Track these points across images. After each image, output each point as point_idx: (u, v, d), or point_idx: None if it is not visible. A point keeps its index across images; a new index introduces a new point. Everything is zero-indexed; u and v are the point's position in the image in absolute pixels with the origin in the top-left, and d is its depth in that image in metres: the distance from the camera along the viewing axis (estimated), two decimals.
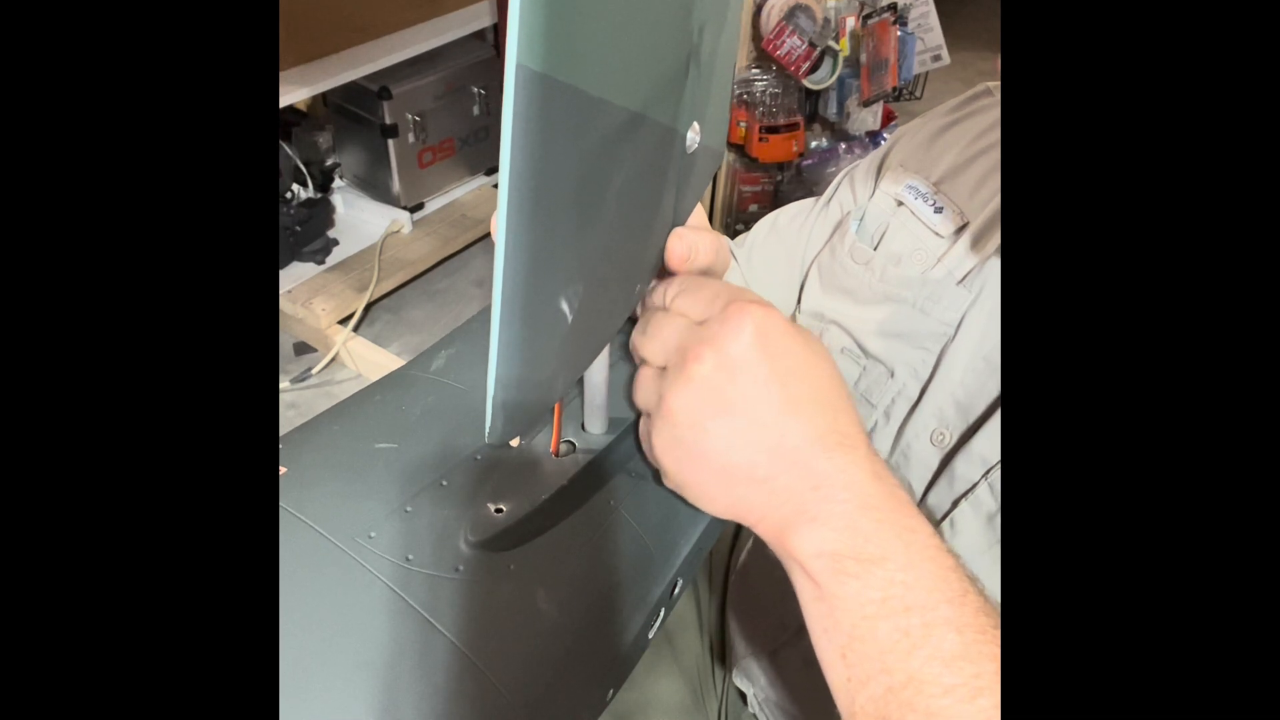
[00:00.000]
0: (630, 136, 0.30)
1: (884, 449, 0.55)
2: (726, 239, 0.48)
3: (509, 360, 0.28)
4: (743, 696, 0.66)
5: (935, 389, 0.52)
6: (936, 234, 0.55)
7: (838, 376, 0.37)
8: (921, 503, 0.53)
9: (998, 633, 0.32)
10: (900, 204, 0.58)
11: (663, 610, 0.40)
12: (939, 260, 0.54)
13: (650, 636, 0.39)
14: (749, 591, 0.66)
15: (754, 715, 0.65)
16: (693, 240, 0.41)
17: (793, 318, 0.65)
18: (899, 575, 0.33)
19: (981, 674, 0.31)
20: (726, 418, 0.35)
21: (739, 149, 1.95)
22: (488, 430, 0.30)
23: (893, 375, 0.55)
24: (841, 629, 0.33)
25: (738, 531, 0.76)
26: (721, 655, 0.70)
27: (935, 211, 0.56)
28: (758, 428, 0.34)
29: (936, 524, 0.50)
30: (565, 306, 0.30)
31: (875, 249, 0.58)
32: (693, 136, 0.37)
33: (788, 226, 0.68)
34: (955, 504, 0.50)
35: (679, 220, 0.40)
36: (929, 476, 0.52)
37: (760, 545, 0.65)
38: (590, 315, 0.32)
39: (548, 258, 0.28)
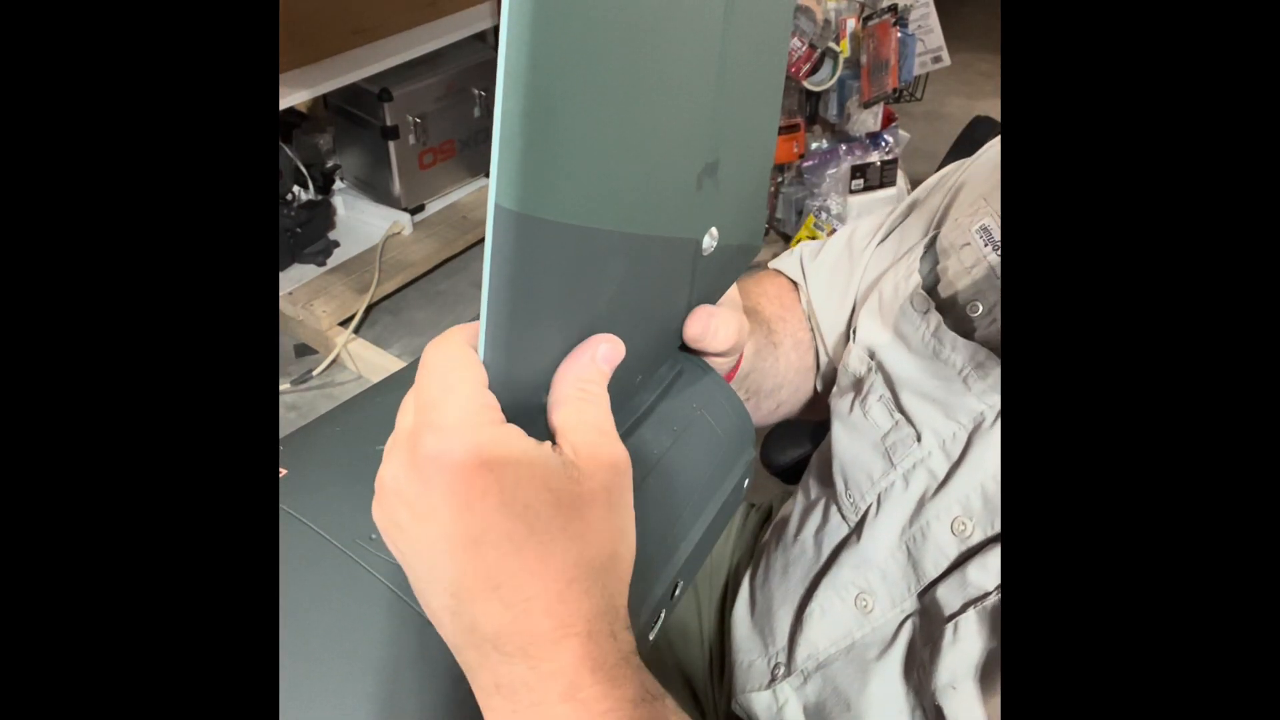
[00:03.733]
0: (621, 252, 0.32)
1: (900, 519, 0.52)
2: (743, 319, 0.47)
3: None
4: None
5: (964, 472, 0.49)
6: (999, 287, 0.51)
7: (557, 547, 0.29)
8: (928, 591, 0.50)
9: None
10: (967, 245, 0.54)
11: (663, 612, 0.40)
12: (993, 321, 0.51)
13: (651, 638, 0.39)
14: (752, 614, 0.64)
15: None
16: (715, 325, 0.41)
17: (844, 343, 0.62)
18: None
19: None
20: (403, 548, 0.30)
21: None
22: None
23: (919, 440, 0.52)
24: None
25: (738, 533, 0.76)
26: (721, 663, 0.70)
27: None
28: (431, 582, 0.30)
29: (944, 621, 0.47)
30: (546, 400, 0.32)
31: (935, 289, 0.54)
32: (710, 241, 0.38)
33: (859, 246, 0.65)
34: (964, 608, 0.46)
35: None
36: (945, 565, 0.49)
37: (766, 564, 0.64)
38: None
39: (528, 365, 0.30)
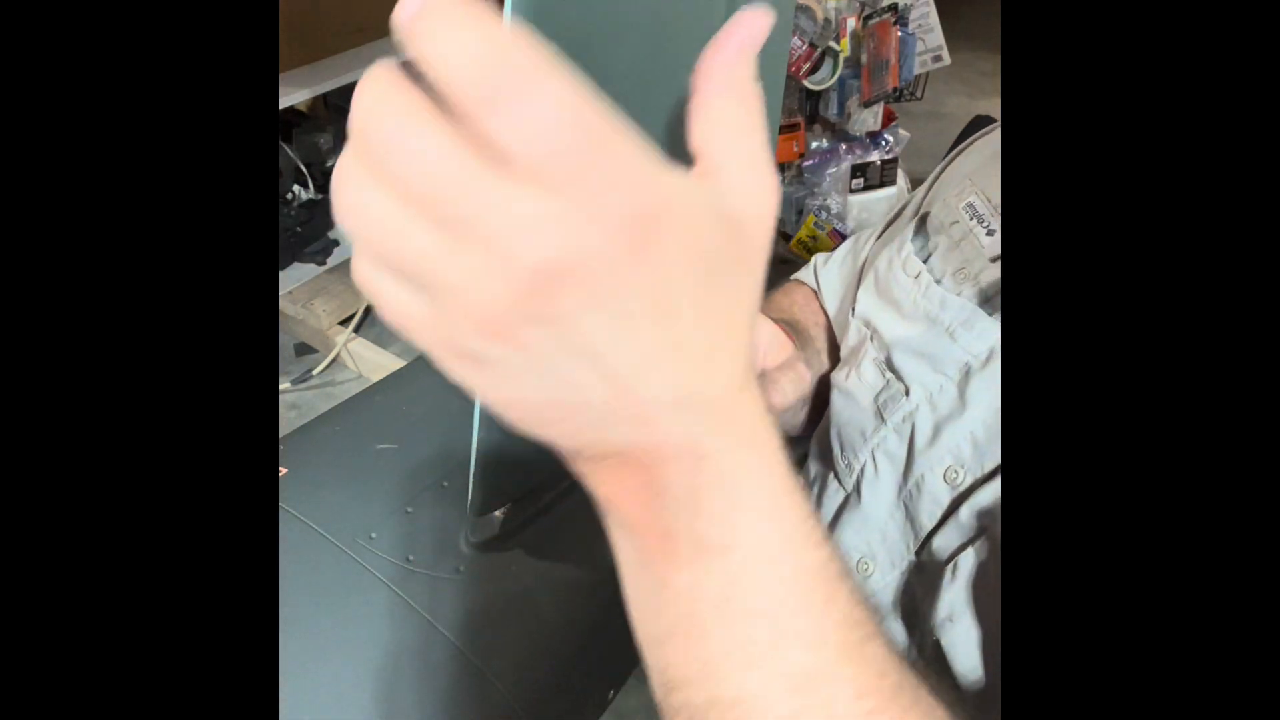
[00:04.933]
0: None
1: (896, 476, 0.54)
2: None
3: (490, 450, 0.30)
4: None
5: (954, 423, 0.50)
6: (985, 258, 0.54)
7: (734, 296, 0.25)
8: (927, 543, 0.51)
9: (867, 646, 0.28)
10: (955, 222, 0.57)
11: None
12: (978, 285, 0.53)
13: None
14: None
15: None
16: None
17: (846, 321, 0.66)
18: (747, 572, 0.27)
19: (834, 699, 0.27)
20: (552, 337, 0.23)
21: None
22: (469, 503, 0.31)
23: (907, 394, 0.54)
24: (664, 616, 0.28)
25: None
26: None
27: (988, 234, 0.54)
28: (589, 360, 0.23)
29: (943, 566, 0.48)
30: None
31: (926, 260, 0.57)
32: None
33: (861, 244, 0.69)
34: (962, 548, 0.47)
35: None
36: (939, 514, 0.50)
37: None
38: None
39: None
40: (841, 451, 0.58)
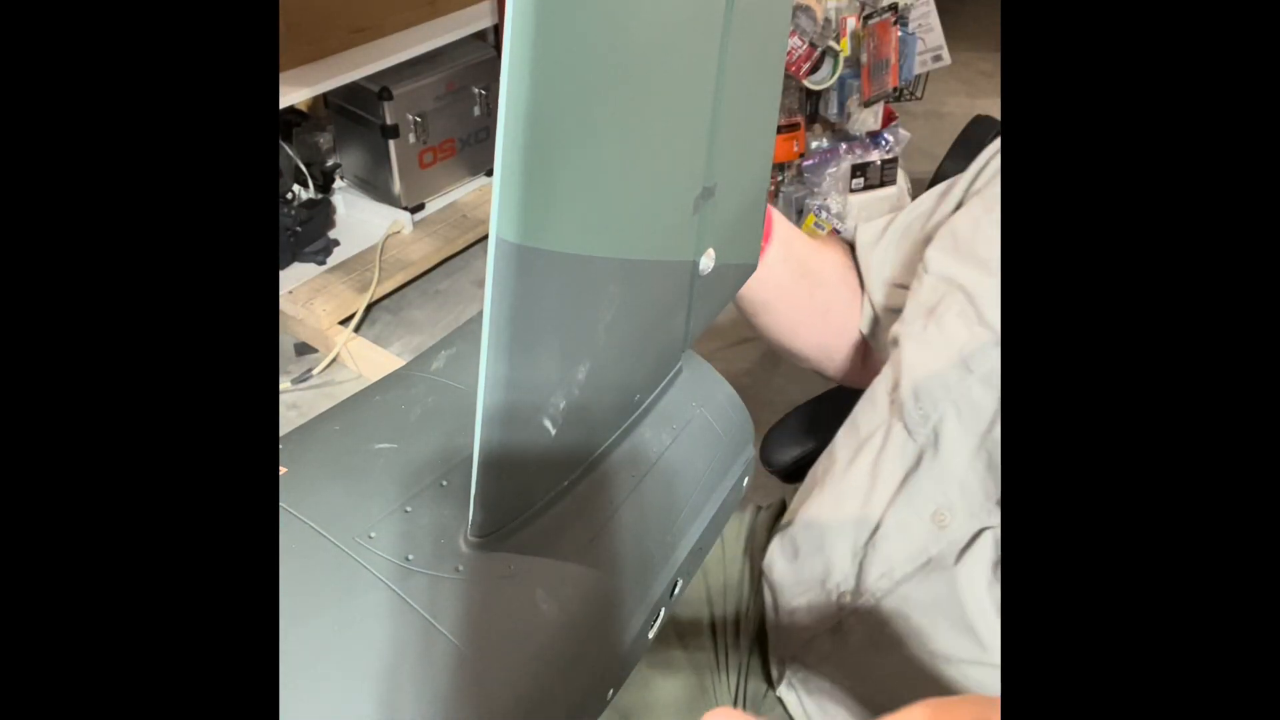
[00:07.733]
0: (619, 278, 0.32)
1: (978, 426, 0.55)
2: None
3: (490, 473, 0.30)
4: (768, 678, 0.66)
5: None
6: None
7: None
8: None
9: None
10: None
11: (663, 610, 0.40)
12: None
13: (651, 636, 0.39)
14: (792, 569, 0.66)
15: (779, 699, 0.65)
16: None
17: (894, 290, 0.68)
18: None
19: None
20: None
21: None
22: (469, 524, 0.32)
23: (997, 345, 0.56)
24: None
25: (748, 532, 0.76)
26: (733, 650, 0.70)
27: None
28: None
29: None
30: (548, 423, 0.32)
31: None
32: (707, 262, 0.39)
33: (913, 216, 0.72)
34: None
35: (693, 332, 0.42)
36: None
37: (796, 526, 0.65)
38: (578, 427, 0.34)
39: (528, 388, 0.31)
40: (917, 402, 0.59)
